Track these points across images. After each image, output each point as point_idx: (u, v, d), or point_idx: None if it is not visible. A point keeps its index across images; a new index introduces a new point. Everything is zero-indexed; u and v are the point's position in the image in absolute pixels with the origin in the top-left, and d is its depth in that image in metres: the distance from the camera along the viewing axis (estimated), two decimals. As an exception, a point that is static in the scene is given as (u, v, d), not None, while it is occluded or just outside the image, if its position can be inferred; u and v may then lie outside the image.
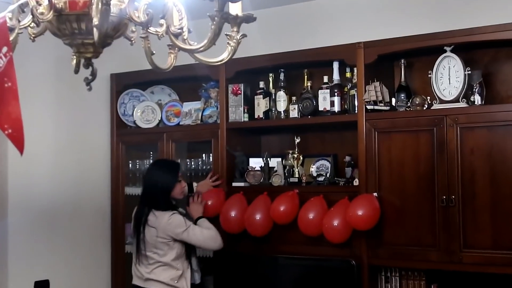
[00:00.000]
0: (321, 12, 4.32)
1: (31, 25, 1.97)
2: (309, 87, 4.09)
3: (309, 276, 3.87)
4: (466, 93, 3.58)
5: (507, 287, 3.49)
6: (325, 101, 3.99)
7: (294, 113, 4.11)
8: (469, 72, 3.56)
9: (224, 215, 4.04)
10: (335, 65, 4.00)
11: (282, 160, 4.18)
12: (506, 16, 3.56)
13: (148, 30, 2.00)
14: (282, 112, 4.17)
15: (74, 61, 2.04)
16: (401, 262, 3.68)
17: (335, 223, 3.68)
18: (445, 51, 3.62)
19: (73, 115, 4.57)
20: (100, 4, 1.73)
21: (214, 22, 1.95)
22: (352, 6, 4.23)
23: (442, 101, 3.63)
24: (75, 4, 1.90)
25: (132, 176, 4.77)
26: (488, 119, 3.45)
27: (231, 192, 4.17)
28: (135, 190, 4.64)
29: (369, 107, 3.75)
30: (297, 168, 4.11)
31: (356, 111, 3.83)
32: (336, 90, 3.96)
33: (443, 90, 3.63)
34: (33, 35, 2.07)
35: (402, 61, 3.81)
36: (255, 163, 4.29)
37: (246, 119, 4.27)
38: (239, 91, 4.26)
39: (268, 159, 4.20)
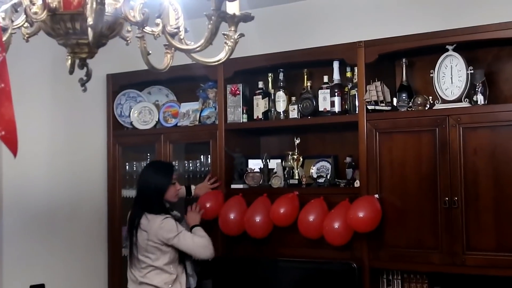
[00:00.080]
0: (321, 11, 4.29)
1: (24, 25, 1.97)
2: (309, 87, 4.05)
3: (309, 279, 3.83)
4: (469, 93, 3.54)
5: (511, 290, 3.45)
6: (325, 101, 3.95)
7: (293, 113, 4.07)
8: (472, 71, 3.52)
9: (223, 217, 4.01)
10: (335, 65, 3.96)
11: (281, 162, 4.14)
12: (509, 14, 3.53)
13: (144, 29, 1.99)
14: (281, 113, 4.12)
15: (69, 62, 2.03)
16: (403, 265, 3.65)
17: (336, 225, 3.66)
18: (447, 50, 3.58)
19: (69, 116, 4.53)
20: (94, 3, 1.71)
21: (211, 21, 1.93)
22: (352, 4, 4.20)
23: (444, 101, 3.59)
24: (69, 4, 1.88)
25: (129, 178, 4.72)
26: (491, 119, 3.41)
27: (230, 194, 4.13)
28: (132, 193, 4.58)
29: (370, 107, 3.71)
30: (297, 169, 4.06)
31: (356, 112, 3.79)
32: (336, 90, 3.92)
33: (445, 89, 3.60)
34: (26, 35, 2.07)
35: (404, 60, 3.77)
36: (254, 164, 4.24)
37: (245, 120, 4.23)
38: (238, 92, 4.22)
39: (268, 160, 4.15)
